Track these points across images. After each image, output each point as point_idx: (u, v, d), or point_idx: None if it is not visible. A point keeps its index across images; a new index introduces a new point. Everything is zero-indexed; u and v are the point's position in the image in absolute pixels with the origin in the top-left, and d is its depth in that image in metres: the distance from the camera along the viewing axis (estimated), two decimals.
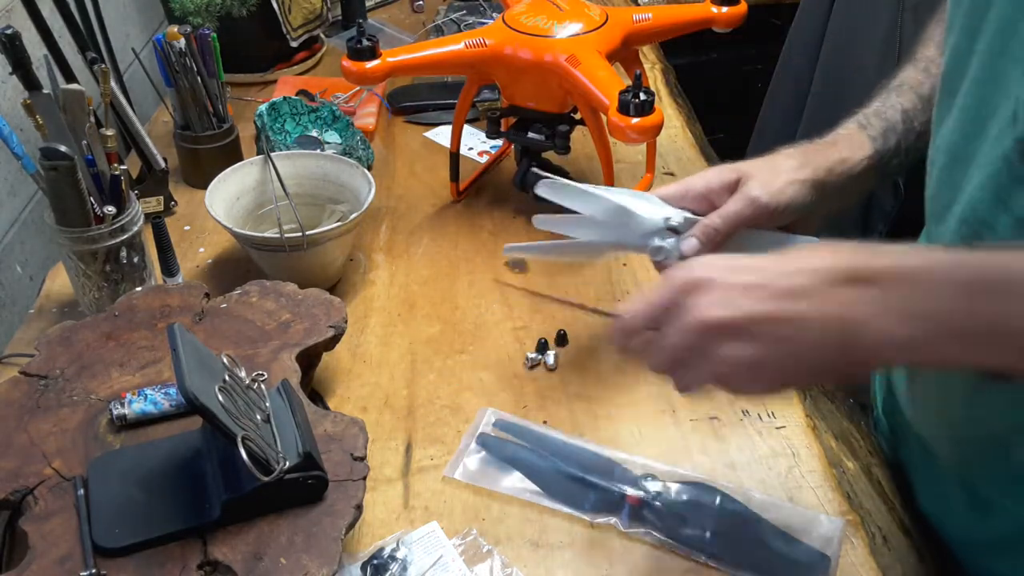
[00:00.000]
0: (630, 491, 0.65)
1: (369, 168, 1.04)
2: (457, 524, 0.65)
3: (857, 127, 0.69)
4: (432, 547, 0.63)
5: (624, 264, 0.92)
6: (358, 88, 1.20)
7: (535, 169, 0.95)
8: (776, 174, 0.66)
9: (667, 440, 0.72)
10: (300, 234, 0.80)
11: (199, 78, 1.00)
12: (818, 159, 0.67)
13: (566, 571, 0.62)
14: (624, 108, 0.78)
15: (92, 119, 0.78)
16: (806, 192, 0.66)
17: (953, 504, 0.65)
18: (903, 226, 1.16)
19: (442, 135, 1.16)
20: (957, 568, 0.66)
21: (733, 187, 0.67)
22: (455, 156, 1.00)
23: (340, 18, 1.47)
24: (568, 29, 0.89)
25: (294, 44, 1.31)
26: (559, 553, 0.63)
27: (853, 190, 0.68)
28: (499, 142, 1.11)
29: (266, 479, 0.54)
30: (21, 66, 0.76)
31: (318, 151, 0.98)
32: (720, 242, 0.67)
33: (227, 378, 0.57)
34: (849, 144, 0.68)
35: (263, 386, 0.61)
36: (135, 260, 0.80)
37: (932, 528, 0.68)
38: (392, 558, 0.61)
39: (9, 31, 0.75)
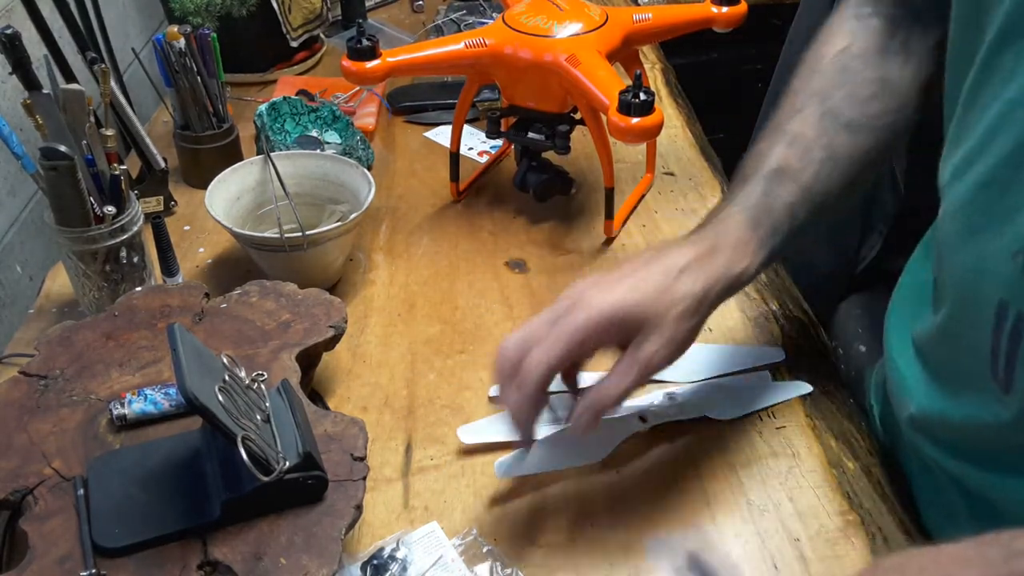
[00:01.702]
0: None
1: (369, 168, 1.04)
2: (457, 524, 0.65)
3: (750, 227, 0.63)
4: (432, 547, 0.63)
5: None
6: (358, 88, 1.20)
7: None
8: (678, 320, 0.58)
9: (667, 439, 0.72)
10: (300, 234, 0.80)
11: (199, 78, 1.00)
12: (713, 274, 0.61)
13: (566, 571, 0.62)
14: (624, 108, 0.78)
15: (92, 119, 0.78)
16: (698, 328, 0.61)
17: (956, 516, 0.65)
18: (904, 225, 1.16)
19: (442, 135, 1.16)
20: None
21: (629, 331, 0.58)
22: (455, 156, 1.00)
23: (340, 18, 1.47)
24: (568, 29, 0.89)
25: (294, 44, 1.31)
26: (559, 552, 0.63)
27: (736, 292, 0.64)
28: (499, 142, 1.11)
29: (266, 479, 0.54)
30: (21, 66, 0.76)
31: (318, 151, 0.98)
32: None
33: (227, 378, 0.57)
34: (743, 253, 0.63)
35: (263, 386, 0.61)
36: (135, 260, 0.80)
37: (934, 534, 0.67)
38: (392, 558, 0.61)
39: (9, 31, 0.75)
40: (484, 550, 0.62)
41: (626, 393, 0.58)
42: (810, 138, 0.66)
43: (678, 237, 0.65)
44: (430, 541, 0.63)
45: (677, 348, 0.59)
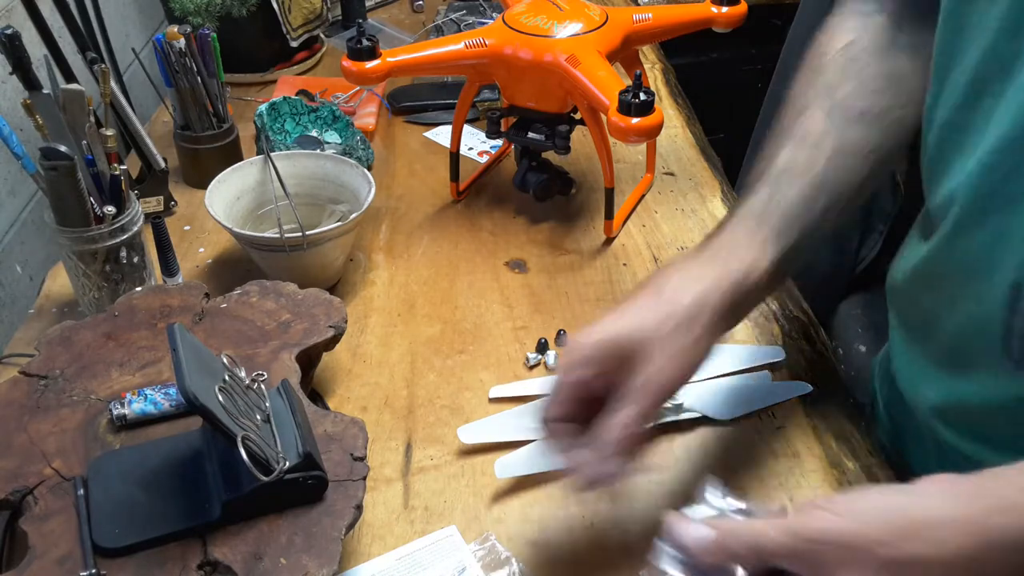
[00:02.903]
0: None
1: (369, 168, 1.05)
2: (457, 524, 0.65)
3: (754, 224, 0.60)
4: (449, 551, 0.63)
5: (624, 264, 0.92)
6: (358, 88, 1.20)
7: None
8: (673, 335, 0.54)
9: (667, 439, 0.72)
10: (300, 234, 0.80)
11: (199, 78, 1.00)
12: (708, 278, 0.56)
13: (566, 571, 0.62)
14: (624, 108, 0.78)
15: (92, 119, 0.78)
16: (712, 341, 0.56)
17: None
18: (904, 225, 1.16)
19: (442, 135, 1.16)
20: None
21: (628, 359, 0.54)
22: (455, 156, 1.00)
23: (340, 18, 1.47)
24: (568, 29, 0.89)
25: (294, 44, 1.31)
26: (559, 552, 0.63)
27: (759, 298, 0.60)
28: (499, 142, 1.11)
29: (266, 479, 0.54)
30: (21, 66, 0.76)
31: (318, 151, 0.98)
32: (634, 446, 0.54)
33: (227, 378, 0.57)
34: (746, 250, 0.58)
35: (263, 386, 0.61)
36: (135, 260, 0.80)
37: None
38: None
39: (9, 31, 0.75)
40: (503, 556, 0.62)
41: (635, 423, 0.53)
42: (818, 134, 0.63)
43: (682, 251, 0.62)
44: (447, 545, 0.63)
45: (680, 364, 0.55)
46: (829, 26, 0.71)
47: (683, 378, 0.55)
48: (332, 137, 1.06)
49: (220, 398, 0.54)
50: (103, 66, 0.84)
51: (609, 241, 0.96)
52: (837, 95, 0.65)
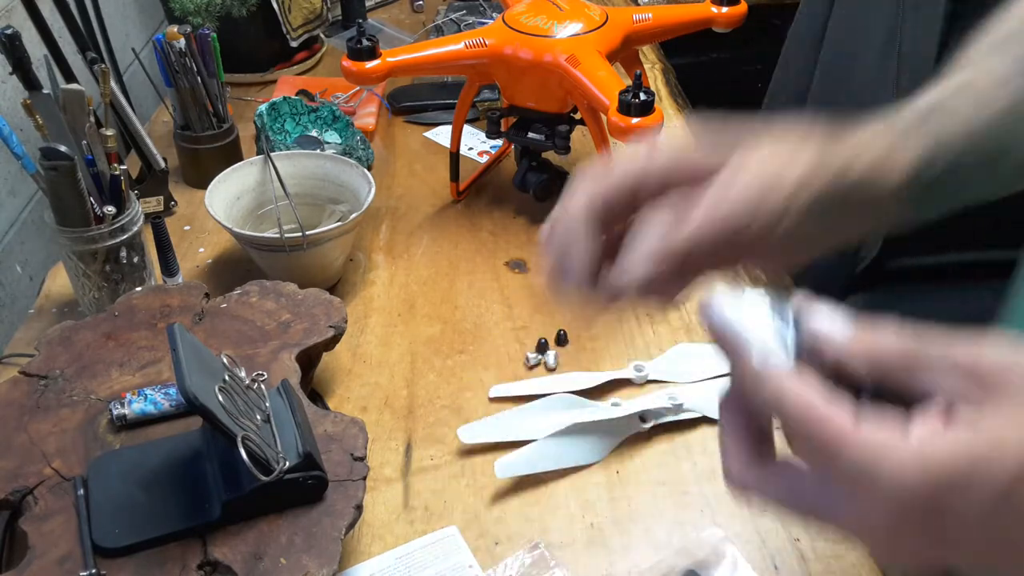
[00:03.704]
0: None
1: (369, 168, 1.05)
2: (457, 524, 0.65)
3: (889, 124, 0.44)
4: (449, 551, 0.63)
5: None
6: (358, 88, 1.20)
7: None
8: (775, 177, 0.41)
9: (667, 439, 0.72)
10: (300, 234, 0.80)
11: (199, 78, 1.00)
12: (835, 162, 0.42)
13: (566, 570, 0.62)
14: (624, 108, 0.78)
15: (92, 119, 0.78)
16: (808, 209, 0.41)
17: None
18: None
19: (442, 135, 1.16)
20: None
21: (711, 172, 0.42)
22: (455, 156, 1.00)
23: (340, 18, 1.47)
24: (568, 29, 0.89)
25: (294, 44, 1.31)
26: (559, 552, 0.63)
27: (876, 214, 0.45)
28: (499, 142, 1.11)
29: (266, 479, 0.54)
30: (21, 66, 0.76)
31: (318, 151, 0.98)
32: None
33: (227, 378, 0.57)
34: (877, 147, 0.43)
35: (263, 386, 0.61)
36: (135, 260, 0.80)
37: None
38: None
39: (9, 31, 0.75)
40: (551, 565, 0.62)
41: (691, 238, 0.40)
42: (985, 86, 0.45)
43: None
44: (448, 545, 0.63)
45: (767, 186, 0.41)
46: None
47: (763, 210, 0.40)
48: (332, 137, 1.06)
49: (220, 398, 0.54)
50: (103, 66, 0.84)
51: None
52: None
